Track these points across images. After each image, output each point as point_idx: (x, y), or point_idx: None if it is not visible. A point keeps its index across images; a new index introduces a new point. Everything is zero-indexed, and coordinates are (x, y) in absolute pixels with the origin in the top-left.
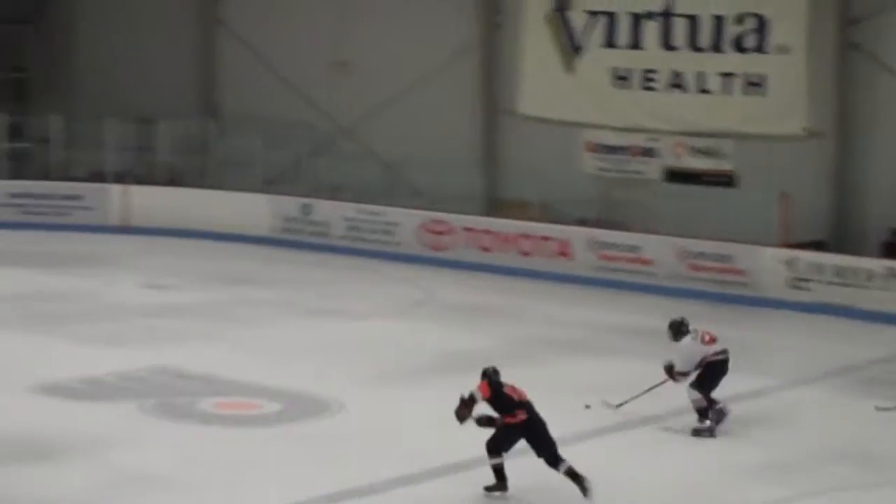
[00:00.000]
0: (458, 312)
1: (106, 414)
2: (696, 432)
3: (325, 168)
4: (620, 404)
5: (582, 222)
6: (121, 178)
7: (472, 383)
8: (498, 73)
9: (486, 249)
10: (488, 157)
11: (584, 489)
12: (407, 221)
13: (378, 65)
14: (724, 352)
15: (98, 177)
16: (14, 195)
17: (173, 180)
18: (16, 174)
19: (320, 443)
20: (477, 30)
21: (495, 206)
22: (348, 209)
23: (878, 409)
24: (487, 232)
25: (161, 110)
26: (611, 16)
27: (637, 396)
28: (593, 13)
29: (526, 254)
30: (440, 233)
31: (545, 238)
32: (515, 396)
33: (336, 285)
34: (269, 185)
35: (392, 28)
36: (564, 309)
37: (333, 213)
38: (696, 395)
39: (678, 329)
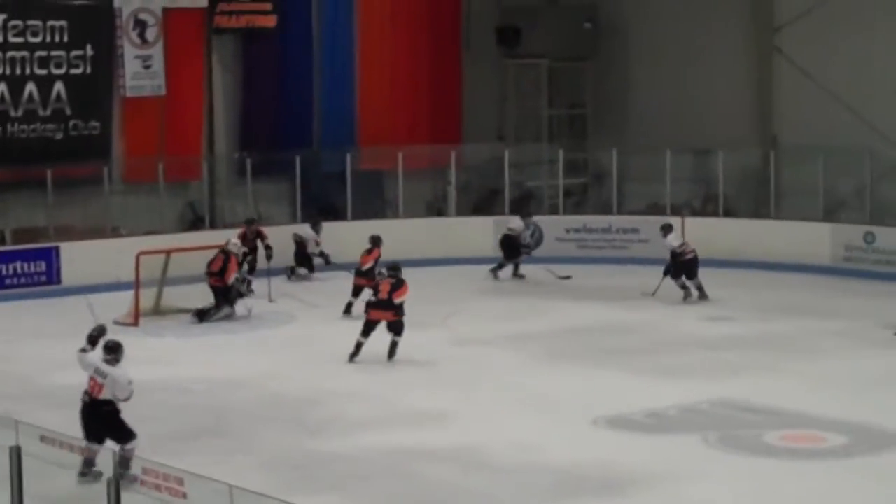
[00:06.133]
0: None
1: (670, 447)
2: None
3: (890, 194)
4: None
5: None
6: (678, 211)
7: None
8: None
9: None
10: None
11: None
12: None
13: None
14: None
15: (655, 209)
16: (572, 230)
17: (730, 211)
18: (574, 209)
19: (887, 478)
20: None
21: None
22: None
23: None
24: None
25: (718, 141)
26: None
27: None
28: None
29: None
30: None
31: None
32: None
33: None
34: (830, 213)
35: None
36: None
37: None
38: None
39: None
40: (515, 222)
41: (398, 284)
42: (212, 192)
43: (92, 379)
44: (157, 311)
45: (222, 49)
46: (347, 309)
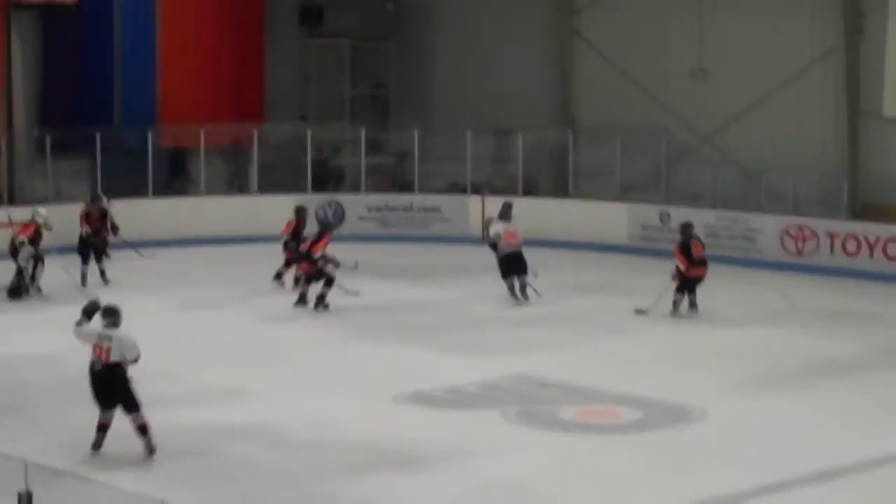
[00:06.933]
0: (822, 319)
1: (469, 423)
2: None
3: (684, 175)
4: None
5: None
6: (478, 190)
7: (839, 390)
8: (860, 75)
9: (850, 255)
10: (852, 161)
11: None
12: (768, 228)
13: (737, 70)
14: None
15: (456, 188)
16: (374, 209)
17: (530, 191)
18: (376, 188)
19: (681, 451)
20: (840, 32)
21: (859, 210)
22: (707, 216)
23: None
24: (852, 237)
25: (518, 122)
26: None
27: None
28: None
29: (893, 259)
30: (803, 238)
31: None
32: None
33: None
34: (627, 193)
35: (751, 33)
36: None
37: (692, 220)
38: None
39: None
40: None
41: (317, 238)
42: (10, 169)
43: (97, 346)
44: None
45: (21, 24)
46: (278, 276)
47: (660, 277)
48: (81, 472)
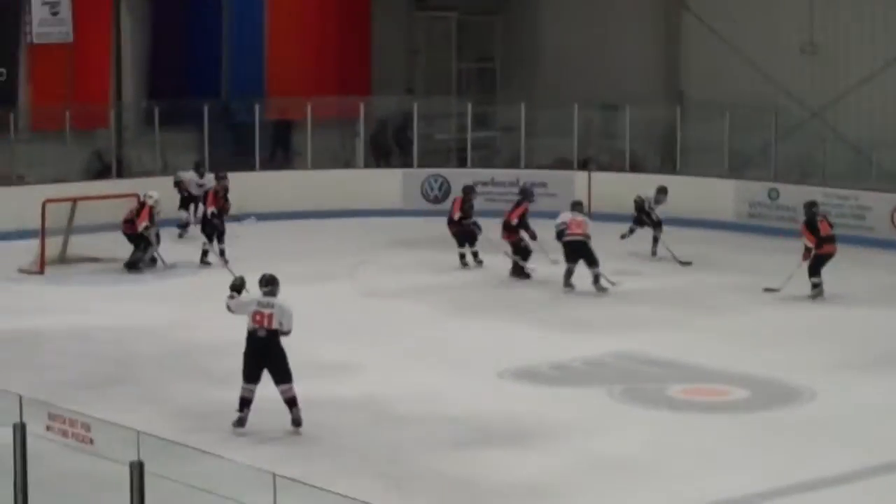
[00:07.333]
0: None
1: (575, 399)
2: None
3: (793, 152)
4: None
5: None
6: (585, 165)
7: None
8: None
9: None
10: None
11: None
12: (879, 206)
13: (848, 45)
14: None
15: (563, 164)
16: (479, 183)
17: (637, 166)
18: (482, 163)
19: (790, 430)
20: None
21: None
22: (816, 194)
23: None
24: None
25: (625, 97)
26: None
27: None
28: None
29: None
30: None
31: None
32: None
33: (805, 271)
34: (735, 170)
35: (862, 7)
36: None
37: (801, 197)
38: None
39: None
40: (645, 191)
41: (515, 207)
42: (119, 141)
43: (258, 314)
44: (63, 259)
45: None
46: (463, 256)
47: (768, 256)
48: (192, 444)
